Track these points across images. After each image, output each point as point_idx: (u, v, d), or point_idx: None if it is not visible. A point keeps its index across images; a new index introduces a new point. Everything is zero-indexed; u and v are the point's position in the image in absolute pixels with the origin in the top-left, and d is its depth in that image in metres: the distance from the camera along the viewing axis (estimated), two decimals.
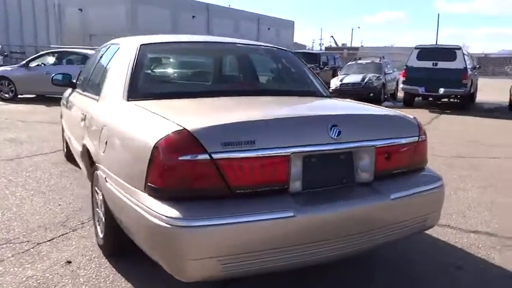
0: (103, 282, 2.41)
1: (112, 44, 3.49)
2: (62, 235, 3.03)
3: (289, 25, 63.41)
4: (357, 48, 63.41)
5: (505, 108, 12.30)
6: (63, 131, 5.28)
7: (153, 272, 2.49)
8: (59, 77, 4.21)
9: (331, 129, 2.00)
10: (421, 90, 11.38)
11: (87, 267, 2.59)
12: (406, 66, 11.75)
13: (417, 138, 2.34)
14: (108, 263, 2.62)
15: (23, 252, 2.76)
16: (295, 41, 65.51)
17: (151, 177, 1.83)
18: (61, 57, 12.19)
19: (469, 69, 11.28)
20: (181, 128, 1.82)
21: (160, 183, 1.81)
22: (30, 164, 4.93)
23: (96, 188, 2.82)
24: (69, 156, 5.01)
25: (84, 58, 11.66)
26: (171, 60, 3.16)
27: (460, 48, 11.31)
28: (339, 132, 2.01)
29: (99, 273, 2.52)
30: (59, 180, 4.35)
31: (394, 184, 2.20)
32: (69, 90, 4.67)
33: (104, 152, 2.33)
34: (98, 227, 2.81)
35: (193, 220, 1.71)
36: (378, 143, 2.15)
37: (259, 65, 3.22)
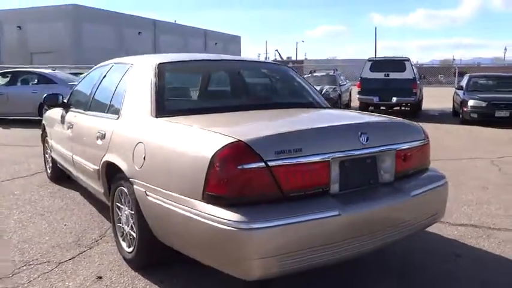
0: None
1: (116, 63, 3.57)
2: (81, 253, 3.05)
3: (236, 40, 64.32)
4: (301, 61, 65.21)
5: (449, 114, 13.28)
6: (45, 152, 5.21)
7: (188, 279, 2.63)
8: (52, 97, 4.21)
9: (360, 135, 2.26)
10: (375, 99, 12.08)
11: (120, 280, 2.65)
12: (361, 77, 12.44)
13: (424, 141, 2.65)
14: (140, 275, 2.69)
15: (48, 272, 2.76)
16: (242, 55, 66.43)
17: (211, 186, 1.98)
18: (15, 77, 11.74)
19: (417, 79, 12.15)
20: (236, 139, 1.99)
21: (221, 191, 1.96)
22: (14, 188, 4.80)
23: (119, 204, 2.90)
24: (56, 178, 4.95)
25: (41, 78, 11.34)
26: (188, 77, 3.30)
27: (408, 60, 12.17)
28: (367, 138, 2.27)
29: (135, 285, 2.59)
30: (53, 202, 4.30)
31: (410, 183, 2.48)
32: (56, 110, 4.65)
33: (141, 167, 2.43)
34: (123, 242, 2.87)
35: (256, 222, 1.88)
36: (397, 147, 2.43)
37: (268, 80, 3.44)
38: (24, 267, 2.83)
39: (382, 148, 2.34)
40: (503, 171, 5.70)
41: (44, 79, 11.15)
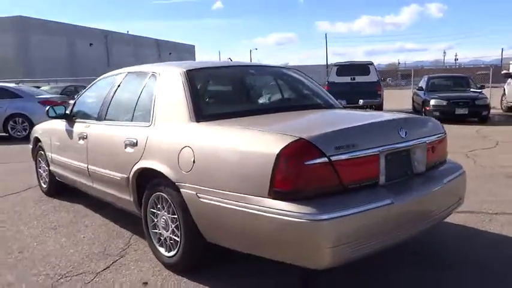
0: None
1: (131, 72, 3.58)
2: (114, 262, 3.04)
3: (190, 49, 64.03)
4: None
5: (410, 113, 13.98)
6: (38, 167, 5.07)
7: (234, 276, 2.71)
8: (55, 109, 4.14)
9: (400, 130, 2.45)
10: (343, 102, 12.47)
11: (166, 285, 2.68)
12: (328, 81, 12.89)
13: (443, 135, 2.88)
14: (185, 278, 2.74)
15: (89, 283, 2.74)
16: None
17: (278, 183, 2.08)
18: None
19: (380, 82, 12.74)
20: (298, 137, 2.12)
21: (288, 186, 2.08)
22: (10, 204, 4.65)
23: (154, 210, 2.93)
24: (54, 192, 4.84)
25: (4, 92, 10.86)
26: (215, 83, 3.37)
27: (372, 64, 12.75)
28: (406, 133, 2.47)
29: (185, 285, 2.63)
30: (60, 215, 4.21)
31: (439, 172, 2.71)
32: (53, 122, 4.56)
33: (189, 171, 2.49)
34: (161, 248, 2.90)
35: (327, 213, 2.01)
36: (428, 140, 2.64)
37: (287, 83, 3.59)
38: (62, 280, 2.80)
39: (416, 141, 2.54)
40: (478, 163, 6.14)
41: (8, 93, 10.71)
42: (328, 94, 3.61)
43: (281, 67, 3.80)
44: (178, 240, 2.73)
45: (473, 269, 2.76)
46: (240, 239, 2.35)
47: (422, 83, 13.20)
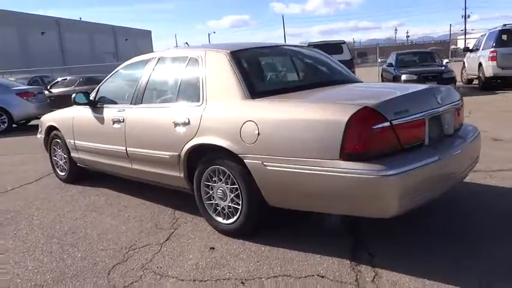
0: (262, 251, 2.82)
1: (164, 57, 3.75)
2: (171, 234, 3.27)
3: (147, 35, 62.62)
4: None
5: None
6: (53, 156, 5.13)
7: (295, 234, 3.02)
8: (81, 97, 4.24)
9: (437, 97, 2.81)
10: None
11: (231, 247, 2.94)
12: None
13: (462, 102, 3.28)
14: (246, 241, 3.01)
15: (158, 252, 2.97)
16: (154, 50, 64.81)
17: (348, 146, 2.39)
18: None
19: (353, 60, 13.23)
20: (363, 105, 2.43)
21: (357, 148, 2.39)
22: (33, 193, 4.72)
23: (208, 183, 3.17)
24: (74, 179, 4.94)
25: None
26: (258, 62, 3.59)
27: (344, 43, 13.18)
28: (441, 99, 2.83)
29: (246, 248, 2.91)
30: (91, 199, 4.35)
31: (462, 133, 3.11)
32: (73, 110, 4.65)
33: (254, 143, 2.75)
34: (218, 217, 3.16)
35: (394, 169, 2.33)
36: (455, 105, 3.03)
37: (319, 61, 3.86)
38: (131, 252, 3.01)
39: (447, 106, 2.91)
40: None
41: None
42: (349, 71, 3.93)
43: (308, 48, 4.08)
44: (239, 207, 2.99)
45: (486, 211, 3.21)
46: (308, 199, 2.65)
47: (391, 60, 13.81)
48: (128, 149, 3.78)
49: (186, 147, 3.20)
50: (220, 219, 3.17)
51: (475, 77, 13.60)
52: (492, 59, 11.68)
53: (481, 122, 7.21)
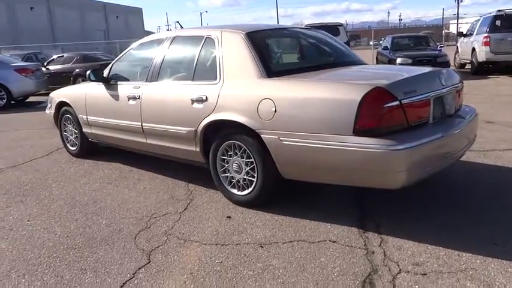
0: (276, 220, 3.05)
1: (180, 36, 3.91)
2: (188, 204, 3.48)
3: (138, 12, 61.75)
4: None
5: None
6: (63, 131, 5.28)
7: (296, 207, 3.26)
8: (96, 73, 4.38)
9: (441, 79, 3.03)
10: None
11: (247, 216, 3.17)
12: None
13: (462, 84, 3.50)
14: (260, 211, 3.24)
15: (179, 219, 3.18)
16: (145, 28, 64.00)
17: (362, 122, 2.60)
18: None
19: (349, 42, 13.38)
20: (375, 85, 2.64)
21: (370, 125, 2.60)
22: (45, 166, 4.88)
23: (224, 157, 3.38)
24: (86, 153, 5.12)
25: None
26: (272, 43, 3.76)
27: (341, 25, 13.32)
28: (444, 80, 3.05)
29: (260, 216, 3.14)
30: (105, 172, 4.53)
31: (462, 113, 3.34)
32: (85, 86, 4.80)
33: (271, 119, 2.95)
34: (233, 189, 3.38)
35: (403, 144, 2.55)
36: (455, 87, 3.24)
37: (328, 44, 4.04)
38: (153, 220, 3.22)
39: (449, 88, 3.13)
40: None
41: None
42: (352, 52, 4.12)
43: (316, 30, 4.25)
44: (254, 180, 3.21)
45: (483, 187, 3.47)
46: (322, 172, 2.87)
47: (386, 43, 13.99)
48: (143, 124, 3.95)
49: (202, 123, 3.39)
50: (235, 191, 3.38)
51: (468, 61, 13.86)
52: (486, 44, 11.92)
53: (473, 106, 7.49)
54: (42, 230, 3.14)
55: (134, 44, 4.47)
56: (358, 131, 2.63)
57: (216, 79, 3.37)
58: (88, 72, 4.39)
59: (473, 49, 12.91)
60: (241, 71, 3.26)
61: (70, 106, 5.00)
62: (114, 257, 2.68)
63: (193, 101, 3.45)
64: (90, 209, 3.50)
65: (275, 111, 2.93)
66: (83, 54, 13.26)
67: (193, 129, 3.48)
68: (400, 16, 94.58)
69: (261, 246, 2.71)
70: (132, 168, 4.61)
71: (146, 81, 3.98)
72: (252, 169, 3.22)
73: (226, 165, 3.40)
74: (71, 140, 5.23)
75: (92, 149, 5.08)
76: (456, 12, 60.93)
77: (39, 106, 10.98)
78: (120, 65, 4.46)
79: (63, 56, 13.39)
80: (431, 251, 2.54)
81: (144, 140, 4.05)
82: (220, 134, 3.36)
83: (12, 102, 10.72)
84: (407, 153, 2.57)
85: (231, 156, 3.35)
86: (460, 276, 2.27)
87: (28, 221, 3.33)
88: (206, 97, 3.36)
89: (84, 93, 4.75)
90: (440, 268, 2.36)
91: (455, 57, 15.75)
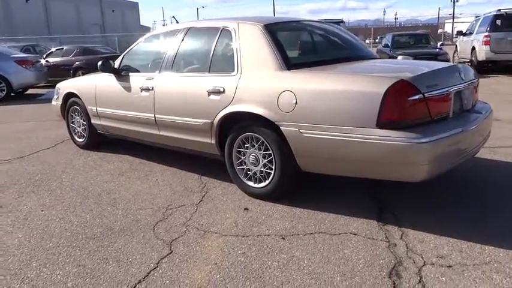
0: (294, 212, 3.05)
1: (195, 27, 3.89)
2: (204, 196, 3.47)
3: (134, 7, 61.29)
4: None
5: None
6: (71, 122, 5.24)
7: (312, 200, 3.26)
8: (107, 64, 4.35)
9: (460, 74, 3.03)
10: None
11: (264, 208, 3.16)
12: None
13: (478, 80, 3.50)
14: (277, 203, 3.23)
15: (196, 211, 3.17)
16: (141, 23, 63.61)
17: (385, 115, 2.60)
18: None
19: None
20: (400, 78, 2.63)
21: (394, 118, 2.60)
22: (53, 157, 4.84)
23: (240, 149, 3.36)
24: (93, 145, 5.08)
25: None
26: (289, 36, 3.74)
27: (342, 21, 13.38)
28: (464, 76, 3.06)
29: (277, 208, 3.14)
30: (115, 165, 4.50)
31: (478, 109, 3.35)
32: (93, 77, 4.76)
33: (291, 111, 2.94)
34: (249, 181, 3.37)
35: (427, 137, 2.56)
36: (473, 83, 3.25)
37: (343, 38, 4.03)
38: (169, 211, 3.21)
39: (467, 83, 3.14)
40: None
41: None
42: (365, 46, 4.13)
43: (331, 24, 4.25)
44: (271, 172, 3.21)
45: (491, 184, 3.49)
46: (343, 164, 2.87)
47: (387, 41, 14.03)
48: (156, 116, 3.92)
49: (219, 115, 3.37)
50: (251, 183, 3.37)
51: (467, 60, 13.92)
52: (486, 43, 11.98)
53: None
54: (58, 220, 3.11)
55: (145, 36, 4.44)
56: (381, 124, 2.63)
57: (233, 71, 3.35)
58: (99, 62, 4.35)
59: (473, 48, 12.96)
60: (260, 63, 3.24)
61: (78, 97, 4.96)
62: (135, 246, 2.66)
63: (209, 93, 3.43)
64: (104, 200, 3.48)
65: (296, 103, 2.93)
66: (82, 47, 13.15)
67: (210, 121, 3.46)
68: (396, 15, 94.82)
69: (283, 238, 2.70)
70: (142, 161, 4.58)
71: (159, 72, 3.96)
72: (270, 161, 3.21)
73: (243, 158, 3.39)
74: (78, 131, 5.19)
75: (100, 140, 5.04)
76: (452, 12, 61.28)
77: (39, 98, 10.90)
78: (131, 56, 4.42)
79: (62, 48, 13.28)
80: (453, 243, 2.55)
81: (156, 132, 4.03)
82: (237, 126, 3.35)
83: (12, 94, 10.61)
84: (431, 146, 2.57)
85: (247, 149, 3.34)
86: (486, 269, 2.28)
87: (42, 211, 3.30)
88: (223, 89, 3.34)
89: (93, 85, 4.71)
90: (465, 261, 2.37)
91: (454, 56, 15.81)
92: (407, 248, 2.54)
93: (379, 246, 2.56)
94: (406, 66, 3.38)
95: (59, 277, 2.35)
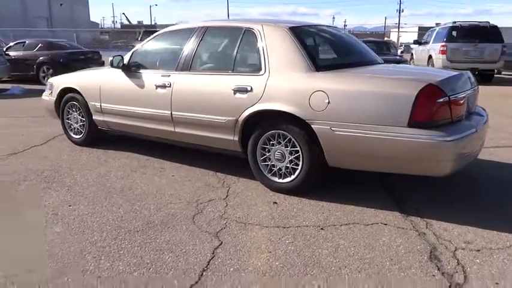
0: (322, 206, 3.25)
1: (214, 26, 4.00)
2: (229, 190, 3.58)
3: (83, 1, 59.03)
4: (154, 26, 63.52)
5: None
6: (66, 119, 5.14)
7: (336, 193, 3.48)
8: (118, 59, 4.35)
9: (470, 80, 3.38)
10: None
11: (291, 202, 3.34)
12: None
13: (478, 87, 3.88)
14: (303, 198, 3.42)
15: (227, 206, 3.28)
16: (91, 18, 61.47)
17: (417, 116, 2.86)
18: None
19: None
20: (428, 82, 2.91)
21: (423, 118, 2.87)
22: (53, 153, 4.73)
23: (265, 146, 3.52)
24: (92, 141, 5.02)
25: None
26: (313, 39, 3.91)
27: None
28: (471, 82, 3.41)
29: (304, 203, 3.32)
30: (122, 162, 4.48)
31: (479, 112, 3.72)
32: (95, 73, 4.73)
33: (323, 110, 3.14)
34: (273, 177, 3.54)
35: (452, 136, 2.86)
36: (476, 89, 3.62)
37: (356, 43, 4.27)
38: (200, 206, 3.30)
39: (474, 88, 3.49)
40: None
41: None
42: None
43: (340, 31, 4.52)
44: (297, 168, 3.39)
45: (495, 181, 3.89)
46: (372, 161, 3.11)
47: None
48: (173, 113, 3.98)
49: (245, 113, 3.51)
50: (276, 178, 3.54)
51: None
52: (442, 52, 12.84)
53: None
54: (91, 215, 3.11)
55: (158, 33, 4.47)
56: (412, 123, 2.89)
57: (260, 70, 3.50)
58: (110, 58, 4.33)
59: (430, 56, 13.82)
60: (289, 64, 3.42)
61: (77, 93, 4.89)
62: (183, 238, 2.75)
63: (235, 91, 3.56)
64: (129, 195, 3.50)
65: (328, 102, 3.13)
66: (46, 42, 12.63)
67: (234, 118, 3.59)
68: (345, 22, 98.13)
69: (322, 229, 2.89)
70: (149, 158, 4.60)
71: (176, 70, 4.02)
72: (296, 157, 3.39)
73: (267, 154, 3.55)
74: (75, 127, 5.10)
75: (98, 137, 4.99)
76: (397, 22, 64.33)
77: (4, 94, 10.39)
78: (143, 53, 4.43)
79: (24, 42, 12.67)
80: (475, 231, 2.86)
81: (171, 129, 4.08)
82: (263, 123, 3.50)
83: None
84: (455, 144, 2.87)
85: (273, 145, 3.50)
86: (510, 252, 2.59)
87: (70, 206, 3.28)
88: (251, 88, 3.48)
89: (97, 80, 4.67)
90: (490, 245, 2.67)
91: (409, 63, 16.75)
92: (435, 235, 2.81)
93: (411, 235, 2.82)
94: (427, 72, 3.69)
95: (120, 267, 2.40)
